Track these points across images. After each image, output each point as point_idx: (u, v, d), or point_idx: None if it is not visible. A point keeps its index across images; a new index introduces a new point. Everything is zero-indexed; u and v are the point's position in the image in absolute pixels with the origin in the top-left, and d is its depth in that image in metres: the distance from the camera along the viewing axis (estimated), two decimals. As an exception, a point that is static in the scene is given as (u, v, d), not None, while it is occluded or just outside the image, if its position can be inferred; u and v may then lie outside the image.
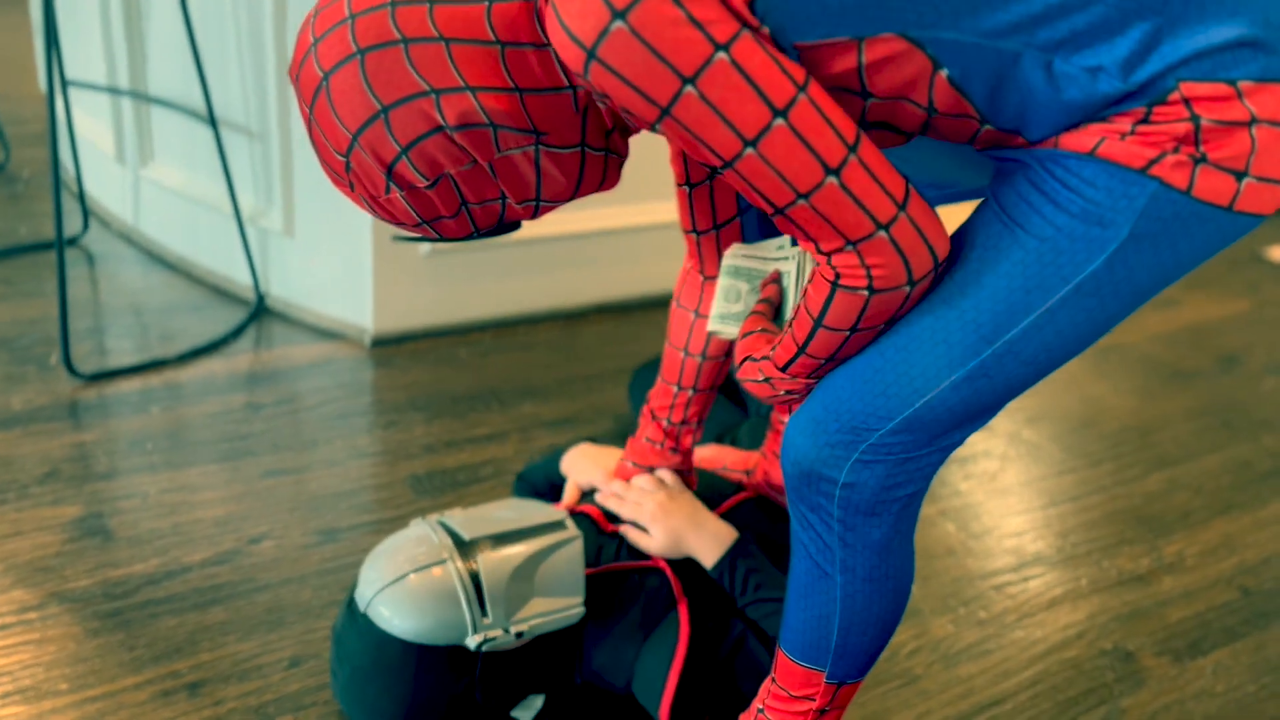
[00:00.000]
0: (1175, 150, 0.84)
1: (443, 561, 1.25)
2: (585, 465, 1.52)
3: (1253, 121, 0.83)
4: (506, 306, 2.31)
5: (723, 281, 1.37)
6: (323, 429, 1.88)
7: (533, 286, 2.32)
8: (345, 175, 0.92)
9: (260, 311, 2.23)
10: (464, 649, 1.25)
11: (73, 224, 2.50)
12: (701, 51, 0.81)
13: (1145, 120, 0.85)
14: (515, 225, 0.99)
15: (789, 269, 1.18)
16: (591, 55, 0.82)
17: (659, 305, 2.46)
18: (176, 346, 2.07)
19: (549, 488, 1.60)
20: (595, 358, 2.21)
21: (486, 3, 0.90)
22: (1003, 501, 1.88)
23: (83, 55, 2.42)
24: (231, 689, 1.35)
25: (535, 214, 0.98)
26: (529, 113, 0.90)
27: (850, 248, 0.89)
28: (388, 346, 2.17)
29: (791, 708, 1.18)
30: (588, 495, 1.52)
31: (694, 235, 1.07)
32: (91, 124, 2.49)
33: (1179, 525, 1.86)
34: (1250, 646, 1.60)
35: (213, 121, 2.05)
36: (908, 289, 0.92)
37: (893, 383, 0.97)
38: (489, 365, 2.15)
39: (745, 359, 1.10)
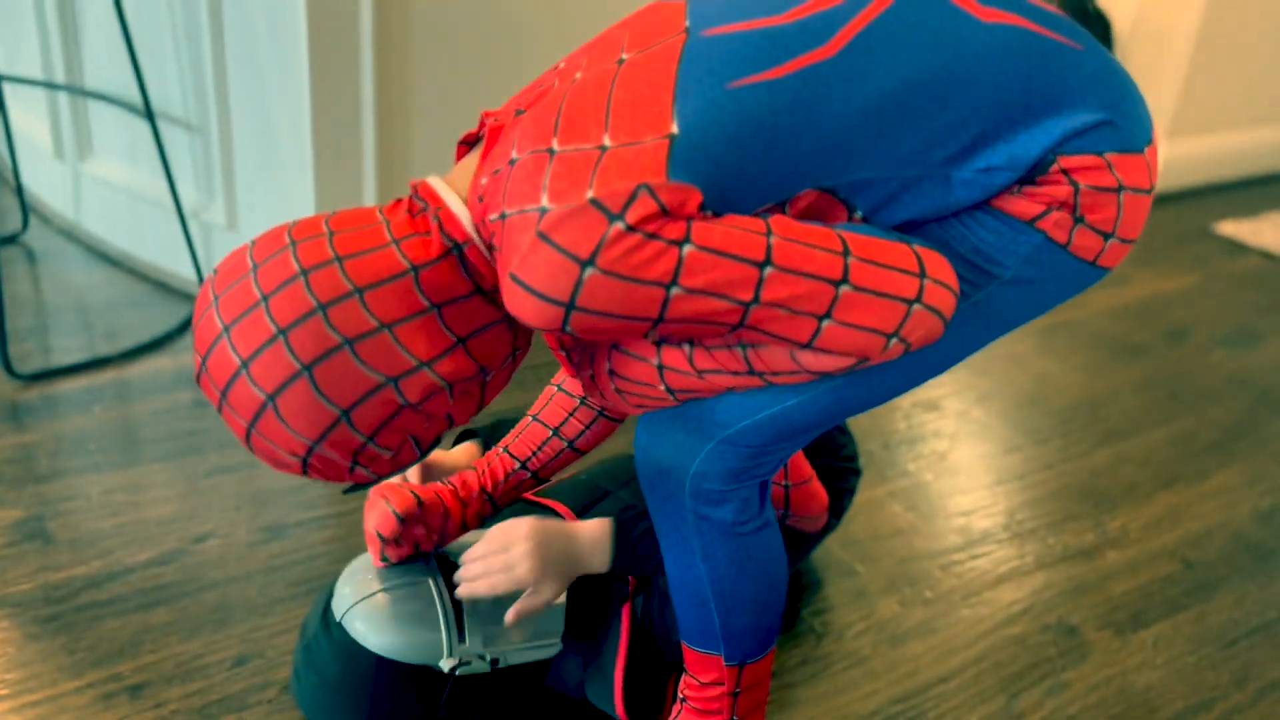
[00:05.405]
0: (1059, 208, 0.95)
1: (423, 580, 1.24)
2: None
3: (1120, 189, 0.95)
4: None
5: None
6: (270, 424, 1.86)
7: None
8: (302, 471, 0.94)
9: (206, 306, 2.20)
10: (436, 669, 1.24)
11: (11, 221, 2.45)
12: (670, 257, 0.83)
13: (1030, 183, 0.95)
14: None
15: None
16: (571, 307, 0.84)
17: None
18: (121, 344, 2.05)
19: None
20: (549, 348, 2.20)
21: (412, 272, 0.92)
22: (951, 481, 1.90)
23: (16, 49, 2.37)
24: (175, 690, 1.34)
25: (478, 411, 1.03)
26: (474, 358, 0.95)
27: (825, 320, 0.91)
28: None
29: (705, 694, 1.19)
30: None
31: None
32: (28, 119, 2.44)
33: (1124, 499, 1.89)
34: (1191, 618, 1.62)
35: (150, 115, 2.02)
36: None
37: (749, 387, 0.99)
38: (439, 356, 2.13)
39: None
